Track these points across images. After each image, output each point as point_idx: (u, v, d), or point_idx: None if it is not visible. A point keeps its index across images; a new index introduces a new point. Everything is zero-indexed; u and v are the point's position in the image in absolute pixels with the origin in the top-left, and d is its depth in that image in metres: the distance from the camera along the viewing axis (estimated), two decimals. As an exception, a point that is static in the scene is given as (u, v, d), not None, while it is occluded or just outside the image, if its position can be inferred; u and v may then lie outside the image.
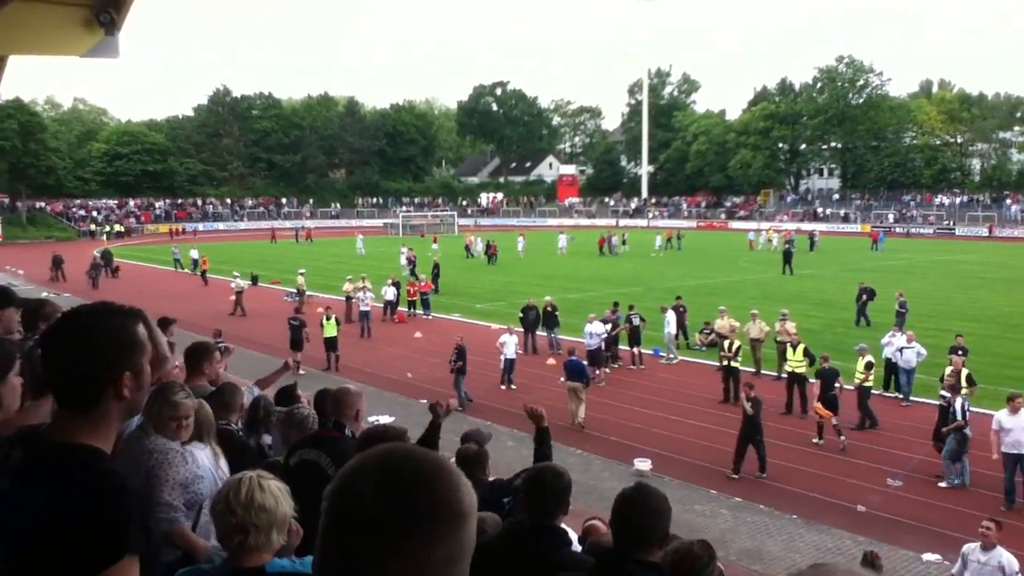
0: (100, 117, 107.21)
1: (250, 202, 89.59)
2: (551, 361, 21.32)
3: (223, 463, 4.32)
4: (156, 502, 3.74)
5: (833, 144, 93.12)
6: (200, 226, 78.98)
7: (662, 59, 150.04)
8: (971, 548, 8.74)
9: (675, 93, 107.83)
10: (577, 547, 4.02)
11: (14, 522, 1.74)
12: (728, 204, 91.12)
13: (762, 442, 13.55)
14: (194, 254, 43.28)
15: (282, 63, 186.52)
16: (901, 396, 17.90)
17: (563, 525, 3.78)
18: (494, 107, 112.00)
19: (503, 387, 19.09)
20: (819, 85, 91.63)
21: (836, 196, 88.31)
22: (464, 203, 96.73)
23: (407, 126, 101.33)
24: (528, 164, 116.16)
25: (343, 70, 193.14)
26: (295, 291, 30.43)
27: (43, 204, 76.24)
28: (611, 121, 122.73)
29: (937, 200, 79.15)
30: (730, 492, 12.97)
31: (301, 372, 19.08)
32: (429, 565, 1.12)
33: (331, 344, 21.34)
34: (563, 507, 3.72)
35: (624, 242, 56.03)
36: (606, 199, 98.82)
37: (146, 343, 1.98)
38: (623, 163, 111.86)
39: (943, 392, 13.99)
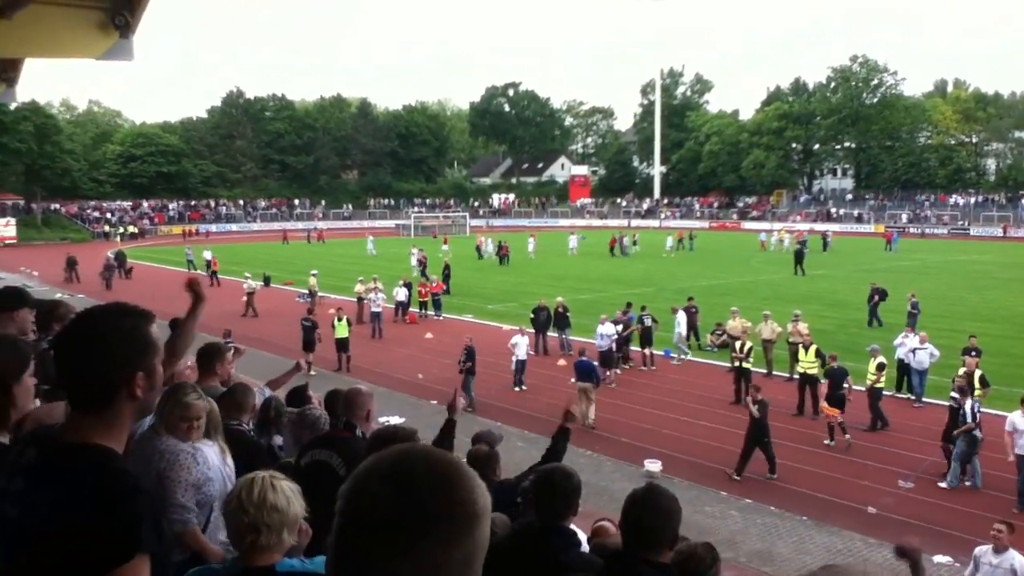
0: (115, 119, 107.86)
1: (263, 203, 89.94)
2: (562, 362, 21.31)
3: (229, 460, 4.33)
4: (170, 503, 3.76)
5: (847, 144, 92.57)
6: (213, 227, 79.40)
7: (662, 59, 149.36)
8: (983, 550, 8.69)
9: (688, 93, 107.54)
10: (586, 548, 4.03)
11: (28, 520, 1.77)
12: (741, 204, 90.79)
13: (770, 444, 13.51)
14: (207, 255, 43.50)
15: (282, 63, 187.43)
16: (913, 397, 17.80)
17: (572, 526, 3.79)
18: (506, 108, 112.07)
19: (516, 389, 19.09)
20: (833, 85, 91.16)
21: (850, 196, 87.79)
22: (476, 204, 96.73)
23: (419, 127, 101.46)
24: (540, 165, 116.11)
25: (343, 70, 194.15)
26: (307, 292, 30.62)
27: (58, 206, 76.72)
28: (623, 122, 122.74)
29: (951, 200, 78.61)
30: (740, 493, 12.92)
31: (312, 373, 19.09)
32: (444, 566, 1.11)
33: (343, 345, 21.42)
34: (572, 508, 3.73)
35: (635, 243, 55.93)
36: (618, 200, 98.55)
37: (159, 344, 2.01)
38: (635, 164, 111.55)
39: (953, 394, 13.91)
